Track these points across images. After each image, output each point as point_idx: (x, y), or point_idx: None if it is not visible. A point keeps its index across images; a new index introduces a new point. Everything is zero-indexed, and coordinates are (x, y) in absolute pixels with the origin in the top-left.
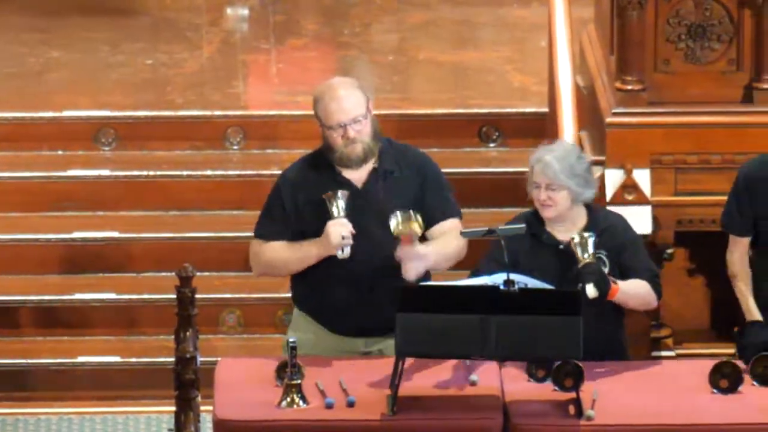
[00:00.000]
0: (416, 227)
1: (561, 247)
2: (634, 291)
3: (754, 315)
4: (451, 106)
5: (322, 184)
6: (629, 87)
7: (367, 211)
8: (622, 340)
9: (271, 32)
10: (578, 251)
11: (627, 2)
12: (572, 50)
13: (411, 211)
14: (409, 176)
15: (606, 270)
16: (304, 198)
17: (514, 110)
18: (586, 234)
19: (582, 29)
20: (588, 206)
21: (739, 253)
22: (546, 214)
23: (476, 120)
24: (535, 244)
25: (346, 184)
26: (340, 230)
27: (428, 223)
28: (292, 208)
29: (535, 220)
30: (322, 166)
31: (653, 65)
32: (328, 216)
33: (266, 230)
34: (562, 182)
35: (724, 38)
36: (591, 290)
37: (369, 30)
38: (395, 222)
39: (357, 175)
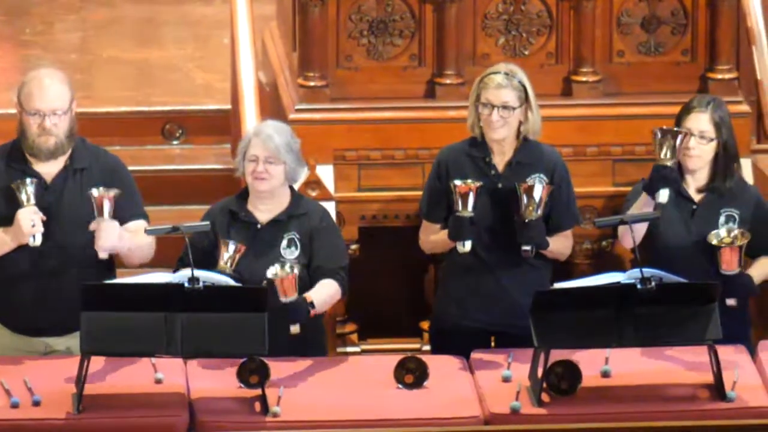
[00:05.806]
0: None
1: (259, 226)
2: (325, 299)
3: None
4: (134, 104)
5: (11, 173)
6: (312, 83)
7: (54, 206)
8: (322, 334)
9: None
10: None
11: None
12: (255, 47)
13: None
14: (100, 177)
15: (295, 252)
16: None
17: (197, 107)
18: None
19: (265, 26)
20: (291, 189)
21: (432, 235)
22: (261, 187)
23: (159, 117)
24: (233, 222)
25: (36, 177)
26: (30, 217)
27: (120, 223)
28: None
29: (238, 200)
30: (14, 157)
31: (336, 61)
32: (17, 204)
33: None
34: (282, 156)
35: (406, 34)
36: None
37: (52, 28)
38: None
39: (47, 169)
